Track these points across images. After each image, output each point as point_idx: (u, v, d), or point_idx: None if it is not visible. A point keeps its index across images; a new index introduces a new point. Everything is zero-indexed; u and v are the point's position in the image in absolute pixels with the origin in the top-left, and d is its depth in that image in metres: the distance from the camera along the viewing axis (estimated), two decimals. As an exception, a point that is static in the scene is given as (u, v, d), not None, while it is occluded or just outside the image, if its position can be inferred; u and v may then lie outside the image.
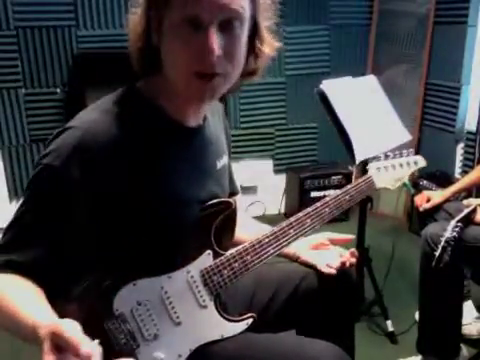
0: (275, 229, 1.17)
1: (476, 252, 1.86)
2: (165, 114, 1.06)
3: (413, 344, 2.06)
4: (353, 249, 1.33)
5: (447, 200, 2.20)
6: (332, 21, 3.62)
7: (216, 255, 1.10)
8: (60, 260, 0.97)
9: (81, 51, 3.11)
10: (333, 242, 1.40)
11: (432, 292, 1.98)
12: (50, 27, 3.04)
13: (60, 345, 0.71)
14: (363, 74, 3.03)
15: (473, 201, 2.03)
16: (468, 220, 1.91)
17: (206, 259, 1.09)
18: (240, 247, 1.13)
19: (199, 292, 1.08)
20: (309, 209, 1.23)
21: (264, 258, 1.14)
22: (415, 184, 2.80)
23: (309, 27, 3.58)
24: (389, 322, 2.28)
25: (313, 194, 3.47)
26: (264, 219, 1.60)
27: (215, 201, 1.12)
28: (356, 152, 2.05)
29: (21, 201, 1.00)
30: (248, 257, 1.12)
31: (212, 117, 1.21)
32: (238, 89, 1.13)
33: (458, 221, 1.84)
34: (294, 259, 1.36)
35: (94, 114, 1.01)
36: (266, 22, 1.05)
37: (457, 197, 2.32)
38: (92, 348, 0.71)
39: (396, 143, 2.10)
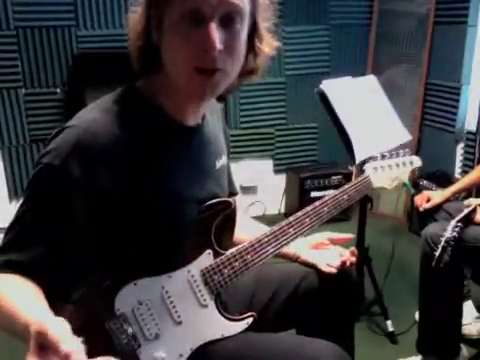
0: (274, 228, 1.17)
1: (476, 252, 1.86)
2: (164, 113, 1.06)
3: (413, 344, 2.06)
4: (353, 248, 1.34)
5: (447, 200, 2.20)
6: (332, 21, 3.63)
7: (216, 254, 1.10)
8: (60, 260, 0.97)
9: (81, 51, 3.11)
10: (333, 242, 1.40)
11: (432, 292, 1.98)
12: (50, 27, 3.04)
13: (44, 344, 0.70)
14: (363, 74, 3.03)
15: (473, 201, 2.03)
16: (468, 220, 1.91)
17: (206, 258, 1.09)
18: (240, 246, 1.13)
19: (200, 291, 1.08)
20: (308, 208, 1.23)
21: (264, 257, 1.14)
22: (415, 184, 2.80)
23: (309, 27, 3.58)
24: (389, 322, 2.29)
25: (313, 194, 3.48)
26: (264, 219, 1.61)
27: (215, 201, 1.12)
28: (356, 152, 2.05)
29: (21, 201, 1.00)
30: (248, 256, 1.12)
31: (211, 117, 1.21)
32: (237, 89, 1.13)
33: (458, 221, 1.84)
34: (294, 259, 1.36)
35: (94, 113, 1.01)
36: (265, 23, 1.05)
37: (457, 197, 2.32)
38: (73, 347, 0.70)
39: (396, 143, 2.10)
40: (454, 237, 1.78)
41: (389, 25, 3.59)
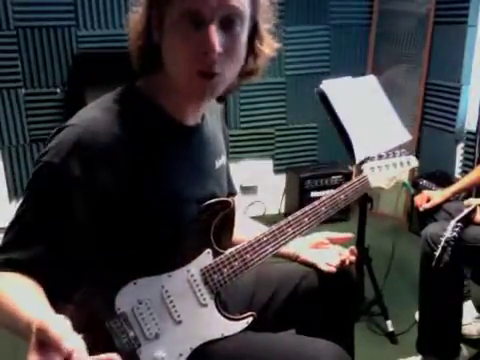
0: (273, 228, 1.18)
1: (476, 252, 1.86)
2: (164, 112, 1.06)
3: (413, 344, 2.06)
4: (352, 247, 1.34)
5: (447, 200, 2.20)
6: (332, 21, 3.63)
7: (216, 254, 1.10)
8: (60, 258, 0.97)
9: (81, 51, 3.11)
10: (332, 241, 1.41)
11: (432, 292, 1.98)
12: (50, 27, 3.04)
13: (45, 341, 0.70)
14: (363, 74, 3.03)
15: (473, 201, 2.03)
16: (468, 220, 1.91)
17: (206, 258, 1.09)
18: (239, 246, 1.13)
19: (199, 291, 1.08)
20: (306, 208, 1.24)
21: (263, 257, 1.14)
22: (415, 184, 2.80)
23: (309, 27, 3.58)
24: (389, 322, 2.29)
25: (313, 194, 3.48)
26: (264, 219, 1.61)
27: (214, 200, 1.13)
28: (356, 152, 2.05)
29: (22, 200, 1.00)
30: (248, 256, 1.12)
31: (210, 116, 1.21)
32: (237, 89, 1.13)
33: (458, 221, 1.84)
34: (294, 258, 1.36)
35: (94, 112, 1.01)
36: (266, 24, 1.05)
37: (457, 197, 2.32)
38: (75, 344, 0.70)
39: (396, 143, 2.10)
40: (454, 237, 1.79)
41: (389, 25, 3.59)
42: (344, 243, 1.39)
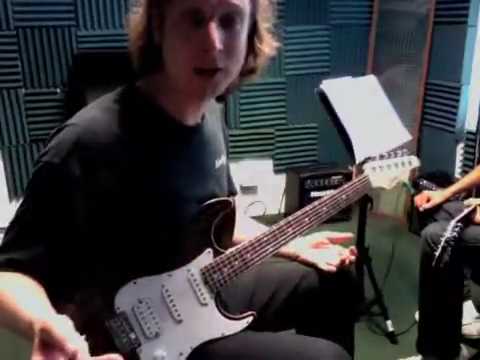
0: (274, 228, 1.18)
1: (476, 252, 1.86)
2: (164, 112, 1.06)
3: (413, 344, 2.06)
4: (352, 247, 1.34)
5: (447, 200, 2.20)
6: (332, 21, 3.63)
7: (216, 253, 1.10)
8: (60, 258, 0.97)
9: (81, 51, 3.11)
10: (332, 241, 1.41)
11: (432, 292, 1.98)
12: (50, 27, 3.04)
13: (48, 342, 0.71)
14: (363, 74, 3.03)
15: (473, 201, 2.03)
16: (468, 220, 1.91)
17: (206, 257, 1.09)
18: (240, 246, 1.13)
19: (200, 290, 1.08)
20: (307, 208, 1.24)
21: (263, 256, 1.14)
22: (415, 184, 2.80)
23: (309, 27, 3.59)
24: (389, 322, 2.29)
25: (313, 194, 3.48)
26: (264, 219, 1.61)
27: (214, 200, 1.13)
28: (356, 152, 2.05)
29: (22, 200, 1.00)
30: (248, 255, 1.12)
31: (210, 116, 1.21)
32: (237, 88, 1.13)
33: (458, 221, 1.84)
34: (294, 258, 1.36)
35: (93, 112, 1.01)
36: (265, 23, 1.06)
37: (457, 197, 2.33)
38: (78, 344, 0.71)
39: (396, 143, 2.10)
40: (454, 237, 1.79)
41: (389, 25, 3.59)
42: (344, 243, 1.39)
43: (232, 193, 1.37)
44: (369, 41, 3.72)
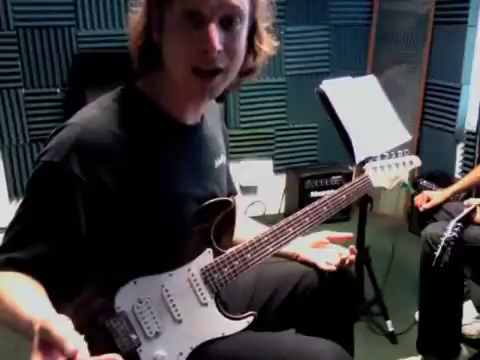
0: (274, 228, 1.18)
1: (476, 252, 1.86)
2: (164, 112, 1.07)
3: (413, 344, 2.06)
4: (352, 246, 1.34)
5: (447, 200, 2.20)
6: (332, 21, 3.62)
7: (216, 253, 1.10)
8: (61, 258, 0.97)
9: (81, 51, 3.11)
10: (332, 240, 1.41)
11: (432, 292, 1.98)
12: (50, 27, 3.04)
13: (48, 341, 0.71)
14: (363, 74, 3.02)
15: (473, 201, 2.03)
16: (468, 220, 1.91)
17: (206, 257, 1.09)
18: (240, 245, 1.13)
19: (200, 290, 1.08)
20: (307, 208, 1.24)
21: (263, 256, 1.14)
22: (415, 184, 2.80)
23: (309, 27, 3.58)
24: (389, 322, 2.28)
25: (313, 194, 3.48)
26: (264, 219, 1.61)
27: (214, 200, 1.13)
28: (356, 152, 2.05)
29: (22, 199, 1.00)
30: (248, 255, 1.12)
31: (209, 116, 1.21)
32: (237, 88, 1.13)
33: (458, 221, 1.84)
34: (294, 258, 1.37)
35: (93, 111, 1.01)
36: (265, 23, 1.06)
37: (457, 197, 2.33)
38: (78, 344, 0.71)
39: (396, 143, 2.10)
40: (454, 237, 1.79)
41: (389, 25, 3.59)
42: (344, 243, 1.39)
43: (232, 193, 1.37)
44: (369, 41, 3.71)
